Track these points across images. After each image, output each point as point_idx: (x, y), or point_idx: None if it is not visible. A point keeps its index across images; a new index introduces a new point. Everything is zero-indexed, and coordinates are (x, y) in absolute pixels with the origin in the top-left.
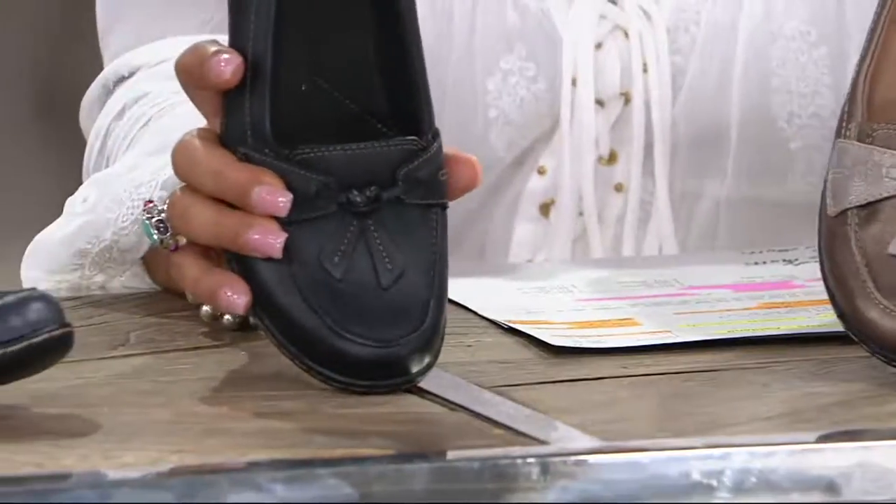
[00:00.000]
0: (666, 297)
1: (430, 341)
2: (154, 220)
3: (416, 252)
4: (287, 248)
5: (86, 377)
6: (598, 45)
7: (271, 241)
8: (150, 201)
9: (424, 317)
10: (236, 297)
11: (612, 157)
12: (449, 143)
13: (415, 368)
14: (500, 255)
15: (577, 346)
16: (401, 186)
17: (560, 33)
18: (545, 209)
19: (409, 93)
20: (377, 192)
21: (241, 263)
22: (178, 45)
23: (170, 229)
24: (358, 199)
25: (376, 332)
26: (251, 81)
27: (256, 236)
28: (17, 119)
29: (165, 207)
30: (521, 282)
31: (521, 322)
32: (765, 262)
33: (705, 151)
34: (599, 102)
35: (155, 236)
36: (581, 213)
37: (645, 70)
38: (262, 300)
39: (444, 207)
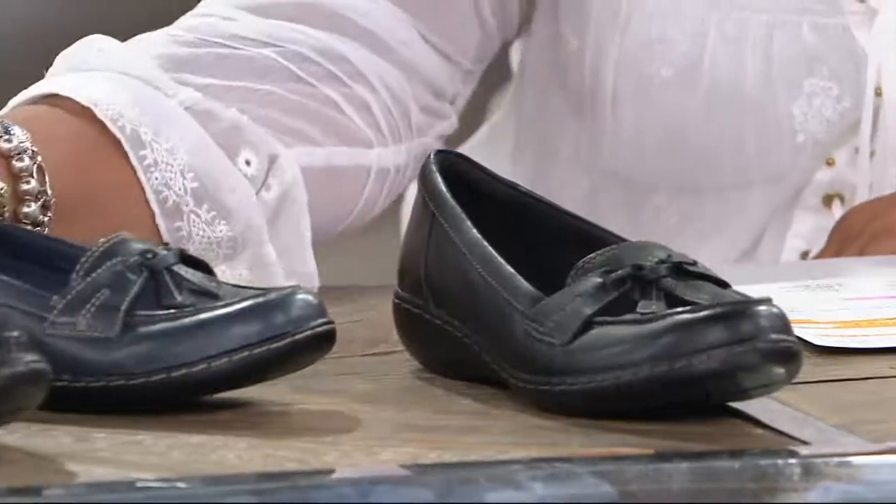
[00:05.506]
0: None
1: None
2: None
3: None
4: None
5: (348, 373)
6: None
7: None
8: None
9: None
10: None
11: None
12: (757, 168)
13: None
14: (776, 242)
15: (842, 345)
16: None
17: (863, 48)
18: (828, 200)
19: None
20: None
21: None
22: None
23: None
24: None
25: None
26: None
27: None
28: None
29: None
30: (785, 280)
31: None
32: None
33: None
34: None
35: None
36: None
37: None
38: None
39: None
